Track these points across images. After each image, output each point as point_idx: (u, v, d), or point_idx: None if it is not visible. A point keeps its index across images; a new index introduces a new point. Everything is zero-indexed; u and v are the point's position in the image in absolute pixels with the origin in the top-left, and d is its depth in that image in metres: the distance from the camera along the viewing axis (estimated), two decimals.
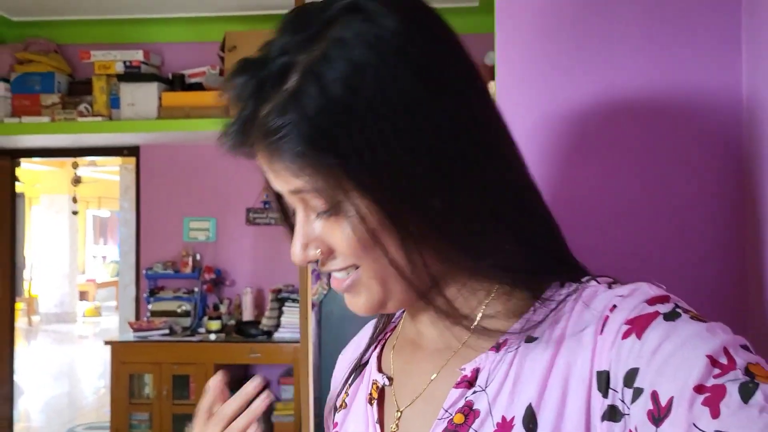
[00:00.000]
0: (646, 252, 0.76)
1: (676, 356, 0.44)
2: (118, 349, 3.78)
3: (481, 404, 0.52)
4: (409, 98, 0.49)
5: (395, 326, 0.68)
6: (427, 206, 0.50)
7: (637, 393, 0.45)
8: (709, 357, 0.43)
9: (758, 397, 0.41)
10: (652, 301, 0.48)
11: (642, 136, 0.76)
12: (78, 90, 3.77)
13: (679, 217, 0.76)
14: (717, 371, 0.42)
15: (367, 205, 0.50)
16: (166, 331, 3.79)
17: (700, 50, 0.75)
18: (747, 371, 0.42)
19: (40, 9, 3.69)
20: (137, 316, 4.07)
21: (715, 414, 0.41)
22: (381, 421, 0.60)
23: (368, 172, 0.49)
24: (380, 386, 0.62)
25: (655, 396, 0.43)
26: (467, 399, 0.53)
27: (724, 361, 0.43)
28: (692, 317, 0.47)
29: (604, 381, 0.48)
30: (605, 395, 0.47)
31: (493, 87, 0.81)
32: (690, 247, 0.76)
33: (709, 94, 0.75)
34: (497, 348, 0.54)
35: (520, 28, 0.79)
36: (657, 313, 0.47)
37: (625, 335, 0.47)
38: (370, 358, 0.67)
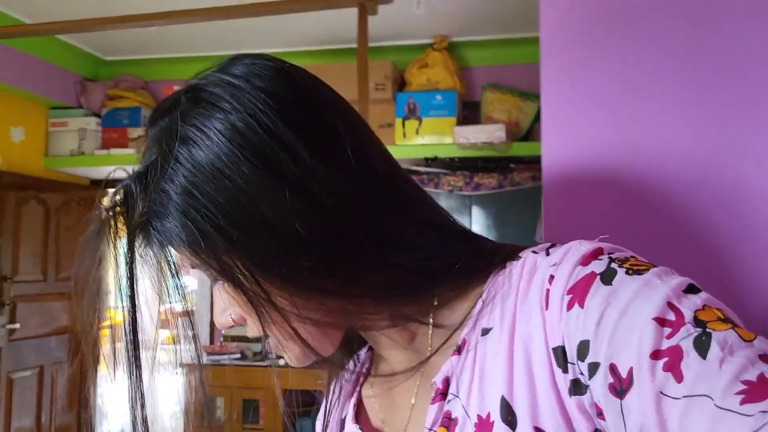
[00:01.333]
0: None
1: (623, 324, 0.43)
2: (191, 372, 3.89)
3: (457, 411, 0.52)
4: (246, 186, 0.50)
5: (367, 367, 0.68)
6: (290, 280, 0.51)
7: (594, 367, 0.43)
8: (656, 319, 0.41)
9: (714, 348, 0.39)
10: (585, 261, 0.47)
11: (684, 193, 0.74)
12: None
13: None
14: (668, 330, 0.41)
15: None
16: (238, 356, 3.88)
17: (755, 126, 0.71)
18: (696, 321, 0.41)
19: (129, 49, 3.96)
20: (211, 341, 4.19)
21: (679, 378, 0.39)
22: None
23: (217, 258, 0.51)
24: None
25: (613, 368, 0.42)
26: (445, 410, 0.53)
27: (671, 317, 0.41)
28: (628, 270, 0.45)
29: (561, 356, 0.46)
30: (565, 370, 0.46)
31: None
32: None
33: (763, 174, 0.71)
34: (458, 351, 0.54)
35: (564, 64, 0.78)
36: (593, 275, 0.46)
37: (569, 306, 0.46)
38: (346, 411, 0.66)
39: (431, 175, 3.50)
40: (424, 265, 0.54)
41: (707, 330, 0.40)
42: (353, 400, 0.66)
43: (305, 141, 0.51)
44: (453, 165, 3.50)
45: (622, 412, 0.42)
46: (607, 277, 0.45)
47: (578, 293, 0.46)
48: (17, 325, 3.55)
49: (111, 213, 0.54)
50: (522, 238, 3.11)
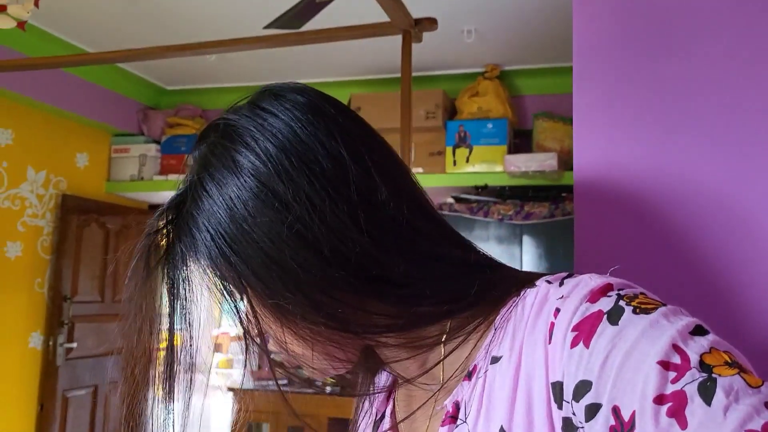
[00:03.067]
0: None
1: (627, 366, 0.42)
2: (239, 396, 3.93)
3: None
4: (250, 217, 0.53)
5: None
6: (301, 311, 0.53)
7: (595, 408, 0.43)
8: (661, 363, 0.41)
9: (719, 395, 0.39)
10: (593, 297, 0.46)
11: (717, 221, 0.71)
12: None
13: None
14: (672, 375, 0.40)
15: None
16: (285, 381, 3.90)
17: None
18: (702, 365, 0.40)
19: (190, 79, 4.11)
20: (259, 366, 4.22)
21: (683, 424, 0.38)
22: None
23: (223, 281, 0.56)
24: None
25: (616, 411, 0.41)
26: None
27: (677, 360, 0.41)
28: (636, 309, 0.44)
29: (558, 392, 0.46)
30: (560, 407, 0.45)
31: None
32: None
33: None
34: (469, 376, 0.54)
35: (597, 88, 0.80)
36: (601, 314, 0.45)
37: (573, 343, 0.45)
38: (384, 411, 0.67)
39: (481, 203, 3.47)
40: (408, 301, 0.54)
41: (713, 375, 0.40)
42: (389, 407, 0.67)
43: (309, 178, 0.53)
44: (503, 193, 3.47)
45: None
46: (614, 315, 0.45)
47: (584, 332, 0.45)
48: (75, 345, 3.66)
49: (153, 235, 0.58)
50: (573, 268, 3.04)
